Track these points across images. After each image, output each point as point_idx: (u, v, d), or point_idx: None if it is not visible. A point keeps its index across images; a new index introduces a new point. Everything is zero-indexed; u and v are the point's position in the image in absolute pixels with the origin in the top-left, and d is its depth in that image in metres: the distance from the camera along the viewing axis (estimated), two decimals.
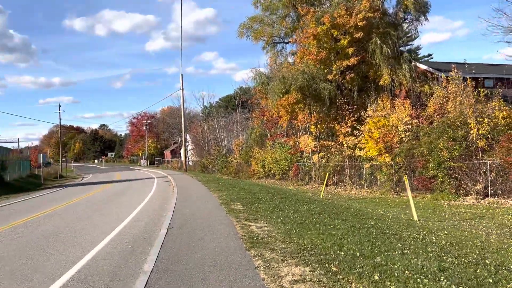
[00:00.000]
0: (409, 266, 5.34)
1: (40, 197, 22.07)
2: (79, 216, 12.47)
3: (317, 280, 4.80)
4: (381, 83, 25.79)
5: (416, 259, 5.82)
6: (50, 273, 6.02)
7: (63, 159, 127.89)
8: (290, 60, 34.75)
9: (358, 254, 5.93)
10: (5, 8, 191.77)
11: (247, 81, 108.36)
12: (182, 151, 56.95)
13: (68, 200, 18.66)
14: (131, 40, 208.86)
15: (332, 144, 28.77)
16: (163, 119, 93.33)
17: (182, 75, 41.94)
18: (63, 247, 7.91)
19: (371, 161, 24.26)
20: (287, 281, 4.84)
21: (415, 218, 12.63)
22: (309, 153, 30.12)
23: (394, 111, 24.31)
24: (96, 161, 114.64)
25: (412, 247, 6.82)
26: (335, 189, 26.14)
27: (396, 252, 6.24)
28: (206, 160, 48.44)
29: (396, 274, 4.96)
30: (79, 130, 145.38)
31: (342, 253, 5.96)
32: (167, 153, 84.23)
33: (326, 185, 28.12)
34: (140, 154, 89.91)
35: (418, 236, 8.30)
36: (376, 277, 4.82)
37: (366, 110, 25.66)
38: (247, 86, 61.52)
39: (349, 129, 25.77)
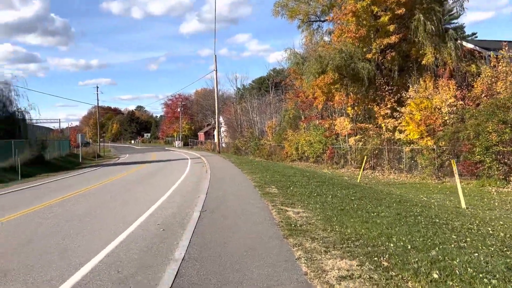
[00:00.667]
0: (471, 263, 4.68)
1: (77, 176, 22.48)
2: (113, 196, 12.40)
3: (368, 276, 4.24)
4: (423, 62, 24.32)
5: (476, 254, 5.14)
6: (80, 257, 5.78)
7: (101, 139, 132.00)
8: (326, 39, 33.51)
9: (409, 247, 5.31)
10: None
11: (281, 62, 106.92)
12: (215, 132, 57.01)
13: (104, 179, 18.82)
14: (166, 23, 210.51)
15: (369, 126, 27.68)
16: (197, 100, 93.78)
17: (215, 56, 41.50)
18: (96, 227, 7.73)
19: (412, 145, 23.14)
20: (333, 276, 4.30)
21: (463, 205, 11.75)
22: (344, 135, 29.19)
23: (438, 92, 22.95)
24: (132, 141, 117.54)
25: (468, 239, 6.11)
26: (372, 173, 25.22)
27: (452, 245, 5.56)
28: (239, 142, 48.26)
29: (457, 272, 4.33)
30: (116, 111, 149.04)
31: (392, 245, 5.35)
32: (201, 135, 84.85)
33: (363, 169, 27.29)
34: (175, 136, 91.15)
35: (471, 226, 7.54)
36: (435, 275, 4.21)
37: (407, 91, 24.39)
38: (281, 67, 60.49)
39: (389, 111, 24.61)
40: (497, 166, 17.81)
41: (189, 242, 5.92)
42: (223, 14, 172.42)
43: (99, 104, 73.64)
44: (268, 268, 4.72)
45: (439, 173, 21.04)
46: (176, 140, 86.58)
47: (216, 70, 40.98)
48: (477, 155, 18.56)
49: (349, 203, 8.97)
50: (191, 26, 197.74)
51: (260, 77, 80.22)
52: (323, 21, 34.53)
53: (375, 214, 7.72)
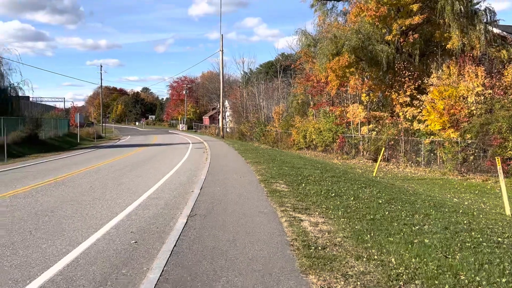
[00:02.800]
0: None
1: (68, 158, 20.76)
2: (93, 186, 10.61)
3: None
4: (448, 46, 22.12)
5: None
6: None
7: (105, 120, 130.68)
8: (340, 20, 31.31)
9: None
10: None
11: (291, 45, 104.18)
12: (220, 117, 55.09)
13: (94, 163, 17.10)
14: (175, 4, 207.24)
15: (384, 115, 25.68)
16: (203, 84, 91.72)
17: (222, 35, 39.34)
18: (50, 233, 5.95)
19: (432, 136, 21.16)
20: None
21: (508, 211, 9.86)
22: (357, 124, 27.19)
23: (463, 79, 20.86)
24: (136, 123, 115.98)
25: None
26: (386, 165, 23.31)
27: None
28: (244, 127, 46.33)
29: None
30: (121, 91, 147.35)
31: None
32: (206, 119, 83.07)
33: (375, 161, 25.33)
34: (179, 119, 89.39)
35: None
36: None
37: (429, 77, 22.31)
38: (290, 52, 58.15)
39: (408, 99, 22.56)
40: None
41: (160, 275, 4.06)
42: None
43: (105, 84, 72.01)
44: None
45: (462, 169, 19.12)
46: (180, 123, 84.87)
47: (222, 51, 38.88)
48: (510, 150, 16.62)
49: (377, 209, 7.09)
50: (200, 8, 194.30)
51: (268, 62, 77.90)
52: (338, 0, 32.29)
53: (417, 228, 5.85)
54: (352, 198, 8.01)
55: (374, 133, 25.31)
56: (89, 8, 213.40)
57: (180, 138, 43.48)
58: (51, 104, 64.41)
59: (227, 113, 61.23)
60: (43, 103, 61.25)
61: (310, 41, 31.31)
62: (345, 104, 29.58)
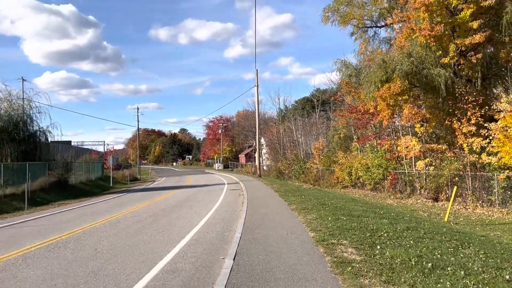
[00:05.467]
0: None
1: (89, 206, 18.92)
2: (98, 248, 8.34)
3: None
4: None
5: None
6: None
7: (144, 161, 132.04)
8: (383, 48, 29.00)
9: None
10: (100, 22, 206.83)
11: (329, 77, 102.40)
12: (256, 155, 52.97)
13: (116, 212, 15.09)
14: (211, 48, 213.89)
15: (443, 147, 22.51)
16: (238, 122, 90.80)
17: (256, 70, 37.76)
18: None
19: (507, 171, 17.84)
20: None
21: None
22: (410, 158, 24.10)
23: None
24: (174, 163, 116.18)
25: None
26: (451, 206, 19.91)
27: None
28: (281, 165, 43.79)
29: None
30: (159, 133, 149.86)
31: None
32: (242, 157, 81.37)
33: (436, 201, 21.98)
34: (215, 158, 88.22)
35: None
36: None
37: (495, 103, 19.23)
38: (326, 88, 56.11)
39: (473, 128, 19.42)
40: None
41: None
42: (266, 38, 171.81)
43: (144, 127, 72.31)
44: None
45: None
46: (216, 163, 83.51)
47: (257, 86, 37.18)
48: None
49: None
50: (235, 51, 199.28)
51: (303, 98, 76.24)
52: (381, 27, 30.08)
53: None
54: (462, 272, 5.26)
55: (432, 168, 22.13)
56: (130, 55, 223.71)
57: (216, 179, 41.42)
58: (92, 147, 65.07)
59: (263, 151, 59.10)
60: (83, 147, 61.81)
61: (351, 71, 29.07)
62: (394, 137, 26.62)
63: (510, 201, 17.99)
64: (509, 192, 18.16)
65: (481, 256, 6.43)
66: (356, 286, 4.88)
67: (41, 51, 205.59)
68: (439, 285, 4.77)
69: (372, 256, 6.18)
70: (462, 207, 19.43)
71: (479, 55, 19.19)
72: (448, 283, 4.83)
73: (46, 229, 11.47)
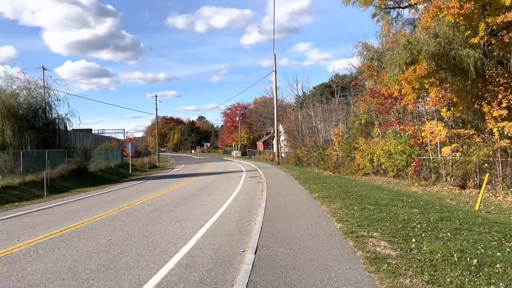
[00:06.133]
0: None
1: (109, 193, 18.77)
2: (112, 239, 8.00)
3: None
4: None
5: None
6: None
7: (163, 149, 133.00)
8: (407, 29, 27.81)
9: None
10: (119, 11, 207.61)
11: (349, 61, 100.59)
12: (274, 142, 52.32)
13: (134, 199, 14.85)
14: (228, 35, 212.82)
15: (470, 132, 21.45)
16: (256, 109, 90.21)
17: (275, 55, 36.92)
18: None
19: None
20: None
21: None
22: (435, 144, 23.15)
23: None
24: (192, 151, 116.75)
25: None
26: (478, 193, 19.06)
27: None
28: (300, 152, 43.11)
29: None
30: (178, 121, 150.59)
31: None
32: (260, 144, 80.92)
33: (463, 188, 21.05)
34: (233, 145, 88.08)
35: None
36: None
37: None
38: (345, 73, 54.78)
39: (505, 112, 18.37)
40: None
41: None
42: (284, 24, 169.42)
43: (162, 115, 72.57)
44: None
45: None
46: (234, 150, 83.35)
47: (276, 71, 36.39)
48: None
49: None
50: (252, 37, 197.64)
51: (321, 83, 75.05)
52: (404, 8, 28.80)
53: None
54: None
55: (458, 154, 21.16)
56: (148, 44, 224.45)
57: (234, 166, 41.11)
58: (112, 135, 65.74)
59: (282, 138, 58.44)
60: (103, 134, 62.40)
61: (373, 54, 28.00)
62: (418, 122, 25.62)
63: None
64: None
65: None
66: (394, 286, 4.32)
67: (62, 41, 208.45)
68: (492, 286, 4.17)
69: (408, 250, 5.60)
70: (491, 194, 18.52)
71: (510, 35, 18.01)
72: (501, 284, 4.23)
73: (63, 217, 11.25)
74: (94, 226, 9.52)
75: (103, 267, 5.99)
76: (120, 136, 72.89)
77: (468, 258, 5.15)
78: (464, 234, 6.71)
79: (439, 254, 5.31)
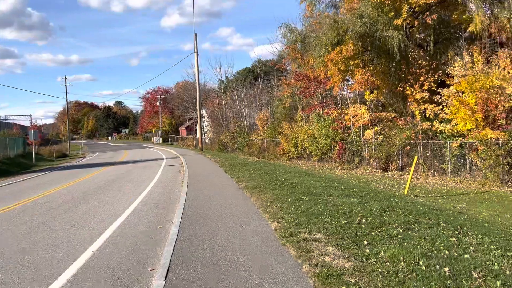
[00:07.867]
0: None
1: None
2: None
3: None
4: (470, 29, 18.31)
5: None
6: None
7: (76, 136, 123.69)
8: (330, 12, 27.41)
9: None
10: None
11: (272, 44, 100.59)
12: (197, 127, 50.34)
13: (27, 196, 12.32)
14: (147, 16, 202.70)
15: (393, 115, 21.65)
16: (178, 93, 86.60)
17: (195, 34, 34.72)
18: None
19: (460, 138, 17.21)
20: None
21: None
22: (358, 128, 23.12)
23: (494, 68, 17.08)
24: (109, 138, 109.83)
25: None
26: (401, 176, 19.33)
27: None
28: (224, 137, 41.77)
29: None
30: (93, 106, 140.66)
31: None
32: (182, 130, 78.12)
33: (386, 171, 21.21)
34: (154, 131, 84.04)
35: None
36: None
37: (448, 67, 18.48)
38: (267, 58, 54.17)
39: (426, 94, 18.57)
40: None
41: None
42: (205, 7, 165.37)
43: (76, 99, 66.28)
44: None
45: (507, 177, 15.19)
46: (155, 136, 79.55)
47: (197, 52, 34.32)
48: None
49: None
50: (173, 20, 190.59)
51: (245, 68, 74.05)
52: None
53: None
54: (498, 283, 3.64)
55: (381, 137, 21.25)
56: (59, 23, 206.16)
57: (154, 153, 38.53)
58: (20, 122, 58.63)
59: (205, 123, 56.54)
60: (7, 121, 55.35)
61: (296, 37, 27.23)
62: (342, 106, 25.50)
63: (462, 169, 17.50)
64: (461, 160, 17.65)
65: (491, 246, 4.92)
66: None
67: None
68: None
69: (364, 259, 4.41)
70: (413, 176, 18.70)
71: (434, 16, 18.13)
72: None
73: None
74: None
75: None
76: (28, 123, 65.63)
77: (438, 266, 4.10)
78: (416, 228, 5.76)
79: (402, 263, 4.19)
